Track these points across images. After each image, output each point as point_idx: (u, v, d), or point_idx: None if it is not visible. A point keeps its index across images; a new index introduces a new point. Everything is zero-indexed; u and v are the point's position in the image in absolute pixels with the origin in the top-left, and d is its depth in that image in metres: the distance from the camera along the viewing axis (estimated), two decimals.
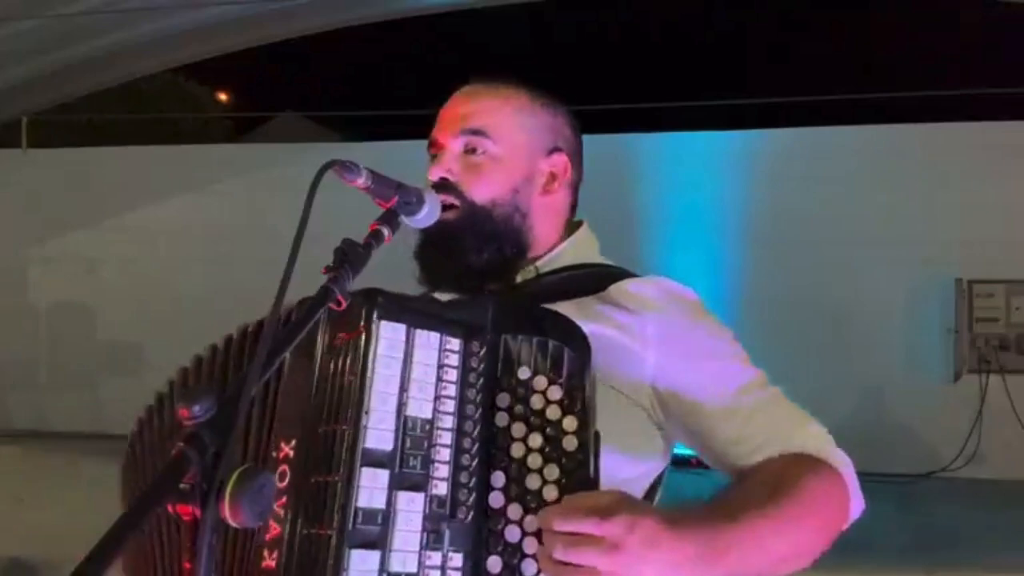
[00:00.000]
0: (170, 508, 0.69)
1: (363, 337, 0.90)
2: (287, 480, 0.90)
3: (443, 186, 1.16)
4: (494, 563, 0.90)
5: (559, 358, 0.96)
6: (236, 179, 7.26)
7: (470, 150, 1.18)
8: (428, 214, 1.09)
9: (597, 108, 6.35)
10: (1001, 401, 5.70)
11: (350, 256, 0.93)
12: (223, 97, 19.25)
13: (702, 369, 1.10)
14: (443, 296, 1.22)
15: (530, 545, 0.90)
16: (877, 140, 6.24)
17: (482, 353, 0.97)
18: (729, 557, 0.90)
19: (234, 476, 0.68)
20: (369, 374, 0.90)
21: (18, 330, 7.52)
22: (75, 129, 11.51)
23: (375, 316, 0.91)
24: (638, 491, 1.09)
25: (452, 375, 0.95)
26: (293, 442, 0.92)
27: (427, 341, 0.94)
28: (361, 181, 1.00)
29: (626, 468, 1.08)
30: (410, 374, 0.92)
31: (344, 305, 0.90)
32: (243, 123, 18.47)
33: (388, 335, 0.92)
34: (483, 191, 1.17)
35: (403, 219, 1.06)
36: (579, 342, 0.97)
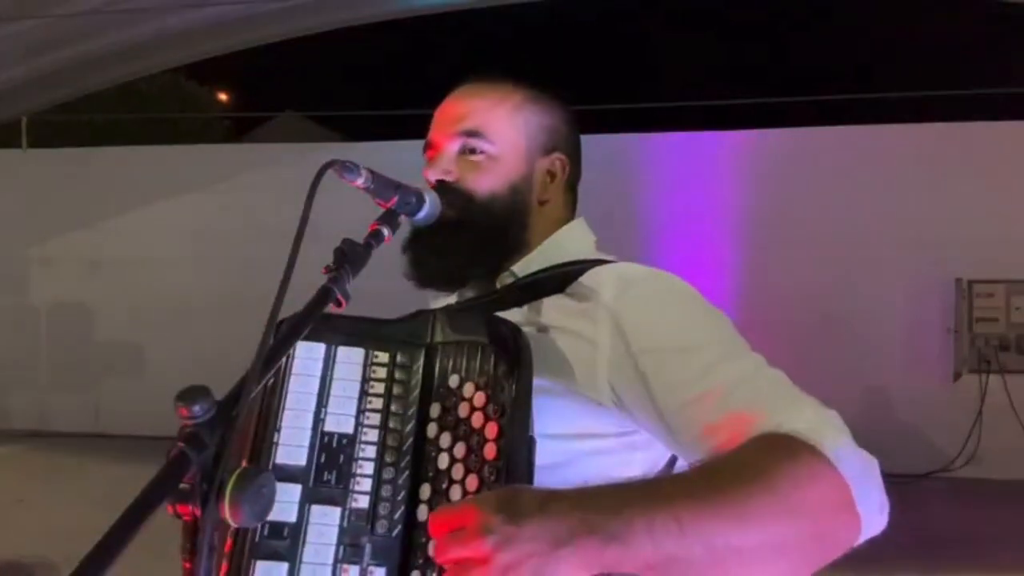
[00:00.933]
0: (170, 508, 0.69)
1: (284, 358, 0.92)
2: None
3: (442, 188, 1.15)
4: None
5: (489, 364, 0.93)
6: (236, 179, 7.26)
7: (467, 151, 1.17)
8: (428, 214, 1.09)
9: (597, 108, 6.35)
10: (1001, 401, 5.69)
11: (350, 256, 0.93)
12: (223, 97, 19.26)
13: (663, 359, 0.95)
14: (439, 297, 1.22)
15: None
16: (877, 140, 6.23)
17: (415, 366, 0.97)
18: (634, 540, 0.72)
19: (234, 476, 0.68)
20: (282, 394, 0.93)
21: (18, 330, 7.52)
22: (75, 129, 11.51)
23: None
24: None
25: (379, 388, 0.96)
26: (244, 462, 0.93)
27: (349, 357, 0.96)
28: (361, 181, 1.00)
29: (605, 471, 0.96)
30: (329, 391, 0.95)
31: (344, 305, 0.90)
32: (243, 123, 18.49)
33: (303, 355, 0.95)
34: (482, 185, 1.14)
35: (403, 219, 1.06)
36: (512, 344, 0.91)
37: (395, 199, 1.03)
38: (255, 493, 0.69)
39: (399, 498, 0.91)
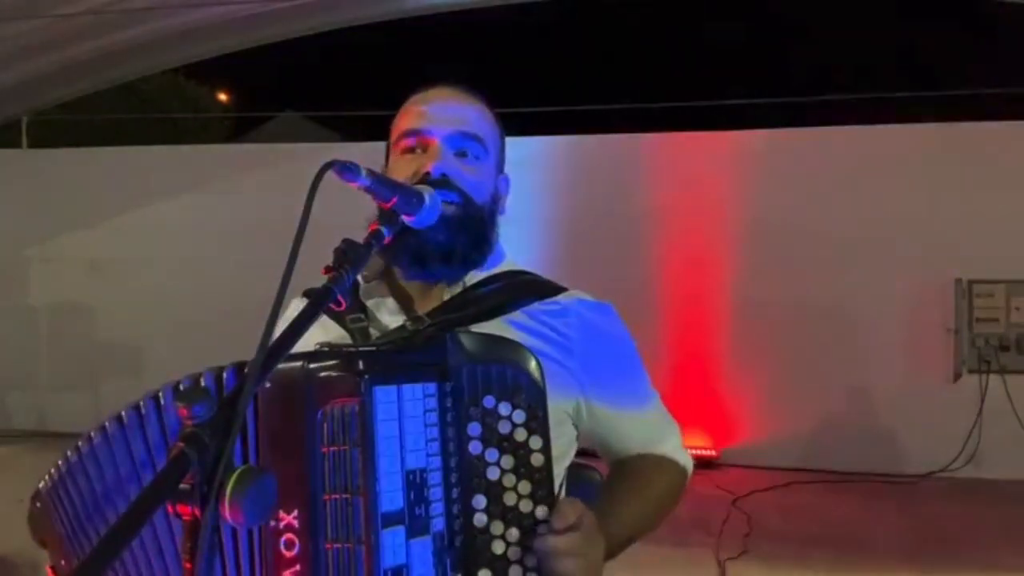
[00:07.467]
0: (170, 508, 0.68)
1: (359, 406, 0.93)
2: (296, 549, 0.93)
3: (444, 183, 1.16)
4: (485, 575, 0.99)
5: (518, 384, 1.05)
6: (236, 179, 7.25)
7: (462, 153, 1.21)
8: (428, 213, 1.09)
9: (597, 108, 6.34)
10: (1001, 401, 5.69)
11: (350, 256, 0.93)
12: (223, 97, 19.24)
13: (617, 383, 1.30)
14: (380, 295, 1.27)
15: (514, 554, 1.00)
16: (877, 140, 6.23)
17: (450, 389, 1.03)
18: (619, 543, 1.17)
19: (234, 476, 0.68)
20: (373, 442, 0.94)
21: (18, 330, 7.51)
22: (75, 129, 11.49)
23: (367, 383, 0.94)
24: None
25: (434, 419, 1.01)
26: (295, 512, 0.93)
27: (412, 394, 1.00)
28: (361, 181, 1.00)
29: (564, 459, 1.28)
30: (404, 429, 0.98)
31: (344, 306, 0.90)
32: (243, 123, 18.47)
33: (383, 399, 0.96)
34: (476, 188, 1.22)
35: (403, 219, 1.06)
36: (534, 367, 1.06)
37: (395, 199, 1.04)
38: (255, 493, 0.69)
39: (456, 511, 1.00)
